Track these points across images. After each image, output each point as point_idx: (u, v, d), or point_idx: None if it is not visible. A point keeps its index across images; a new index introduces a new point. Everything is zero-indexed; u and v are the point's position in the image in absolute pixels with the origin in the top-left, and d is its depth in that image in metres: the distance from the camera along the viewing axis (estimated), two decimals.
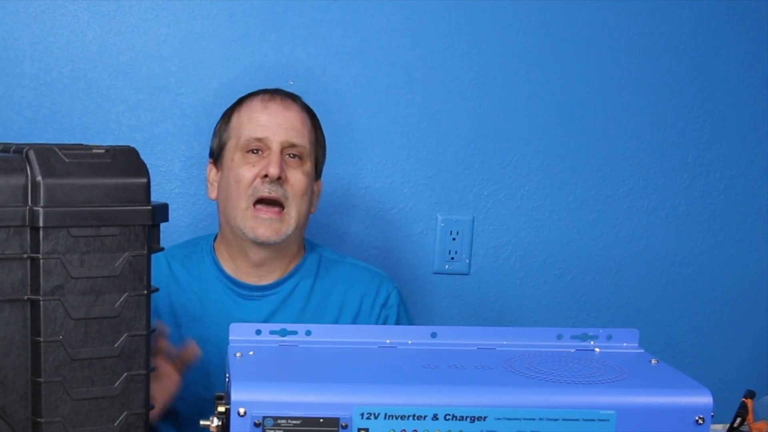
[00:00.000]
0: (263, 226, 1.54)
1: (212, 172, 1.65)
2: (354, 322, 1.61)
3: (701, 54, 2.03)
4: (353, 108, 1.93)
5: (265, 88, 1.65)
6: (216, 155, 1.64)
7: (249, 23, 1.88)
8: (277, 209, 1.55)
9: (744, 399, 1.27)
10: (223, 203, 1.60)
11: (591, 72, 2.00)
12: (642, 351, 1.07)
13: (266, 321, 1.57)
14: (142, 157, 0.99)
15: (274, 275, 1.62)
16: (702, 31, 2.02)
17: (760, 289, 2.13)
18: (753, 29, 2.04)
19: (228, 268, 1.62)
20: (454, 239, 2.00)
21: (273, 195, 1.54)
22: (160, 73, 1.86)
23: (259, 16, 1.88)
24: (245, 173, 1.56)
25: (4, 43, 1.81)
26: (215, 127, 1.65)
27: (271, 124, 1.57)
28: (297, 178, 1.57)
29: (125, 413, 0.97)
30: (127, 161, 0.97)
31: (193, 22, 1.86)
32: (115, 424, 0.97)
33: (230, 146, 1.60)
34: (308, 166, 1.60)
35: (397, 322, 1.65)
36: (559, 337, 1.07)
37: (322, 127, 1.66)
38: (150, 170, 0.99)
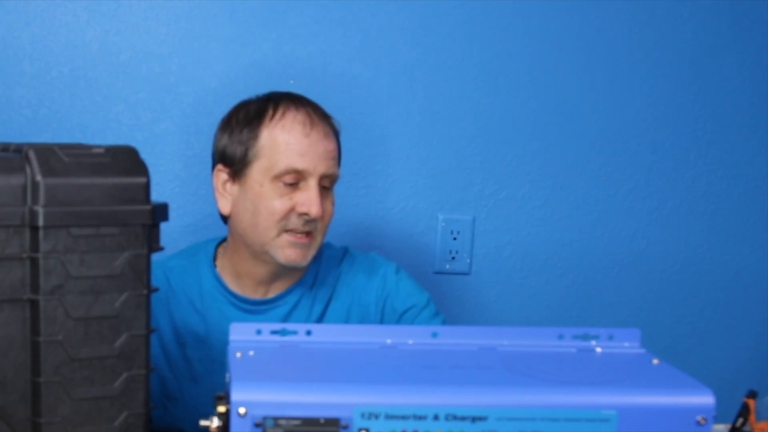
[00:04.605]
0: (295, 251, 1.47)
1: (227, 181, 1.51)
2: (364, 321, 1.57)
3: (703, 53, 2.03)
4: (354, 107, 1.92)
5: (294, 97, 1.53)
6: (237, 168, 1.49)
7: (249, 22, 1.88)
8: (308, 237, 1.48)
9: (746, 399, 1.27)
10: (247, 226, 1.49)
11: (592, 71, 2.00)
12: (643, 351, 1.06)
13: None
14: (142, 156, 0.99)
15: (277, 289, 1.56)
16: (703, 30, 2.02)
17: (762, 288, 2.13)
18: (755, 29, 2.04)
19: (230, 282, 1.55)
20: (455, 239, 2.00)
21: (307, 229, 1.47)
22: (160, 72, 1.86)
23: (260, 15, 1.88)
24: (280, 207, 1.45)
25: (3, 42, 1.81)
26: (237, 132, 1.50)
27: (312, 154, 1.46)
28: (328, 209, 1.50)
29: (125, 413, 0.97)
30: (126, 161, 0.96)
31: (193, 22, 1.86)
32: (115, 424, 0.97)
33: (259, 167, 1.46)
34: (333, 192, 1.53)
35: (399, 291, 1.58)
36: (560, 336, 1.07)
37: None
38: (150, 170, 0.99)
